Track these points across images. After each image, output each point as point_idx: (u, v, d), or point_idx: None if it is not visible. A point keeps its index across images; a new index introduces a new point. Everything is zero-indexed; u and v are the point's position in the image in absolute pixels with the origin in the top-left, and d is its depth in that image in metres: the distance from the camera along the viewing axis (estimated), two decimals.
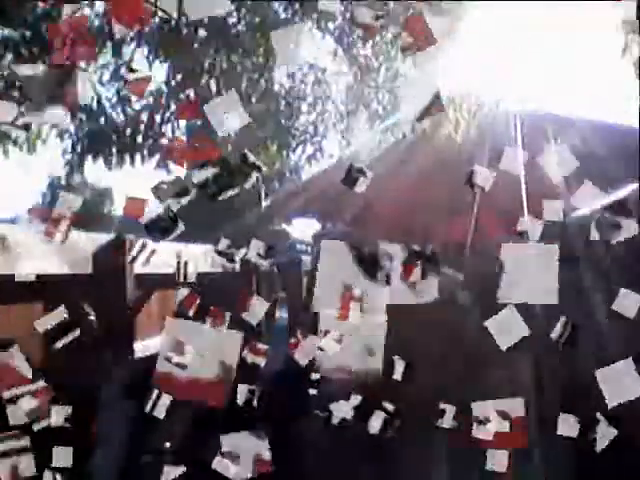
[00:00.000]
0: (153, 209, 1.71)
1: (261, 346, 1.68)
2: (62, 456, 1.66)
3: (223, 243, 2.00)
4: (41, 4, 3.03)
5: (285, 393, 1.57)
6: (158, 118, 3.32)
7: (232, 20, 3.33)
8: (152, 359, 1.72)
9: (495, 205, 5.81)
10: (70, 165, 3.21)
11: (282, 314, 3.25)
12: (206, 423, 1.57)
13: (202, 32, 3.27)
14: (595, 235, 1.73)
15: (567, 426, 1.48)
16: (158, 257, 3.16)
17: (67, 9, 1.60)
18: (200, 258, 3.91)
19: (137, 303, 2.57)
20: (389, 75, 3.96)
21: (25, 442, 1.67)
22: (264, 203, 6.35)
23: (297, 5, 3.36)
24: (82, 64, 2.89)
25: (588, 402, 1.52)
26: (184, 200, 1.72)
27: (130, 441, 1.60)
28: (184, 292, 1.85)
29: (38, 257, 2.14)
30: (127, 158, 3.25)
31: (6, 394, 1.65)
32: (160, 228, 1.70)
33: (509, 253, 1.75)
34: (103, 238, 2.67)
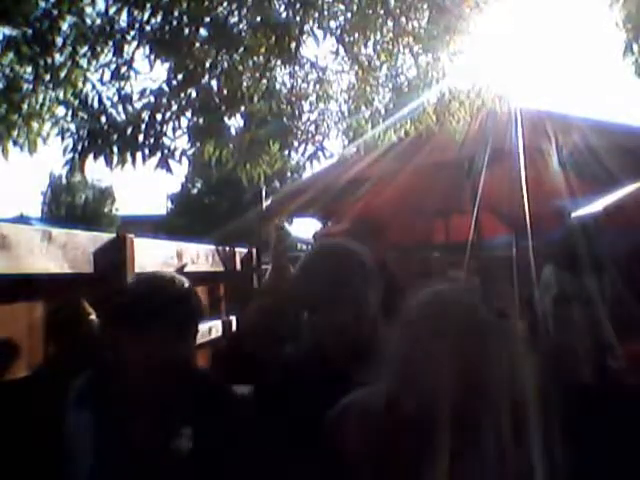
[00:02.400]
0: None
1: None
2: None
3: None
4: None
5: None
6: (159, 117, 3.32)
7: (233, 20, 3.33)
8: None
9: (495, 205, 5.83)
10: (71, 164, 3.20)
11: None
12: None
13: (203, 31, 3.27)
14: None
15: None
16: (158, 257, 3.17)
17: None
18: (201, 258, 3.92)
19: None
20: (390, 74, 3.96)
21: None
22: (265, 202, 6.36)
23: (298, 4, 3.35)
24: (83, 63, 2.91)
25: None
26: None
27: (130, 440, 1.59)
28: None
29: (38, 256, 2.15)
30: (128, 157, 3.24)
31: None
32: None
33: None
34: (104, 237, 2.68)
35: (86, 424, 1.57)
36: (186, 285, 1.73)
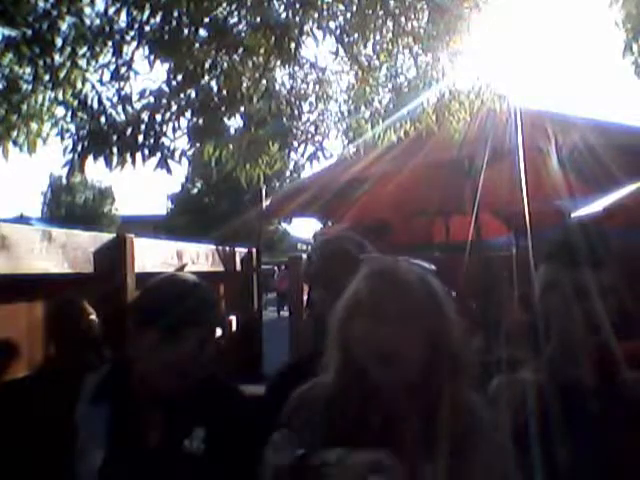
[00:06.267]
0: None
1: None
2: None
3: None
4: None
5: None
6: (159, 118, 3.32)
7: (233, 20, 3.33)
8: None
9: (495, 205, 5.82)
10: (71, 165, 3.20)
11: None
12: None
13: (203, 32, 3.27)
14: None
15: None
16: (158, 257, 3.17)
17: None
18: (201, 258, 3.91)
19: None
20: (390, 74, 3.96)
21: None
22: (265, 202, 6.35)
23: (298, 4, 3.36)
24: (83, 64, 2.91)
25: None
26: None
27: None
28: None
29: (38, 257, 2.15)
30: (128, 158, 3.25)
31: None
32: None
33: None
34: (104, 237, 2.68)
35: (101, 421, 1.57)
36: (211, 289, 1.76)
